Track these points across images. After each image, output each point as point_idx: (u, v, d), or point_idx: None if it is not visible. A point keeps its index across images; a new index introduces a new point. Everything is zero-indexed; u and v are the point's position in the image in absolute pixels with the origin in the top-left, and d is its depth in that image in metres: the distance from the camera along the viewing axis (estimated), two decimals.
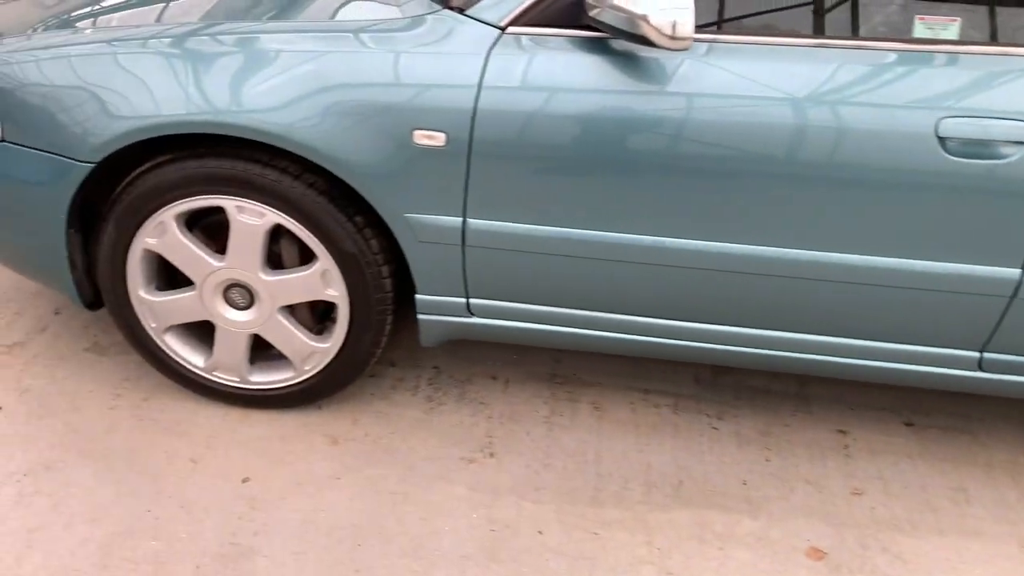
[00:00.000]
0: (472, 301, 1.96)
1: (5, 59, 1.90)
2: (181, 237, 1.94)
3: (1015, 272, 1.75)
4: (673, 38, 1.52)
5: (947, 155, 1.65)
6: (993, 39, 1.69)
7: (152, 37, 1.84)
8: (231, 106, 1.75)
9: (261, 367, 2.13)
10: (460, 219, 1.83)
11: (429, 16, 1.79)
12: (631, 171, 1.72)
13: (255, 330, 2.04)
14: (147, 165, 1.89)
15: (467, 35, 1.74)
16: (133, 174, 1.91)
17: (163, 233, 1.94)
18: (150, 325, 2.08)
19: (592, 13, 1.65)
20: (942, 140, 1.65)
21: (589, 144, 1.71)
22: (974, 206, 1.69)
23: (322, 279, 1.94)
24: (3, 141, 1.93)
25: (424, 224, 1.84)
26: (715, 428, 2.21)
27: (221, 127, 1.76)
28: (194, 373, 2.13)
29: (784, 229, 1.75)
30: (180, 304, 2.03)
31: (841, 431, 2.22)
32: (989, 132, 1.63)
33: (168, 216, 1.91)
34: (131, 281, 2.02)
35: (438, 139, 1.75)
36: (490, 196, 1.79)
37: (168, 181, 1.86)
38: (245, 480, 1.96)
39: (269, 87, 1.76)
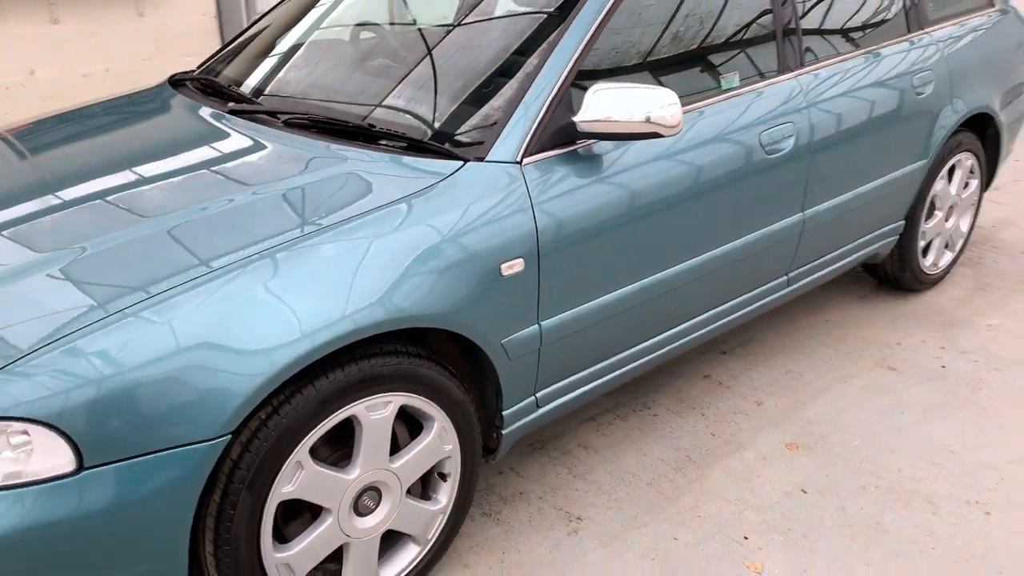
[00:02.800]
0: (538, 395, 2.24)
1: (78, 366, 1.54)
2: (318, 468, 1.82)
3: (799, 216, 2.76)
4: (673, 127, 2.10)
5: (765, 154, 2.56)
6: (761, 77, 2.63)
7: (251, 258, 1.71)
8: (386, 304, 1.78)
9: (384, 565, 2.05)
10: (537, 325, 2.12)
11: (461, 173, 2.03)
12: (641, 229, 2.26)
13: (388, 526, 1.98)
14: (263, 414, 1.73)
15: (501, 175, 2.05)
16: (250, 429, 1.72)
17: (299, 473, 1.79)
18: None
19: (588, 129, 2.11)
20: (762, 146, 2.55)
21: (614, 218, 2.19)
22: (777, 181, 2.63)
23: (440, 439, 2.01)
24: (85, 469, 1.56)
25: (514, 342, 2.08)
26: (655, 415, 2.82)
27: (388, 324, 1.78)
28: None
29: (705, 235, 2.48)
30: (317, 541, 1.87)
31: (706, 376, 3.03)
32: (776, 135, 2.58)
33: (303, 453, 1.78)
34: (264, 547, 1.79)
35: (518, 265, 2.03)
36: (554, 295, 2.13)
37: (303, 414, 1.75)
38: None
39: (399, 278, 1.82)
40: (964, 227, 3.72)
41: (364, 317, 1.77)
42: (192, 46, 5.56)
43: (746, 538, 2.30)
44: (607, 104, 2.07)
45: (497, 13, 2.45)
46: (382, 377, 1.85)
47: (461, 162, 2.06)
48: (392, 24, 2.72)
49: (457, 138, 2.13)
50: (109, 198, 2.02)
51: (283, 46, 2.77)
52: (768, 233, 2.67)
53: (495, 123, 2.11)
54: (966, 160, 3.52)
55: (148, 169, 2.16)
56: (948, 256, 3.70)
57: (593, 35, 2.23)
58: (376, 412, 1.87)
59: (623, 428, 2.76)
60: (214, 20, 5.59)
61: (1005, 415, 2.83)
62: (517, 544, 2.28)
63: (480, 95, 2.19)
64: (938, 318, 3.46)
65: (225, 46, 3.05)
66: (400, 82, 2.34)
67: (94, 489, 1.57)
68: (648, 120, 2.06)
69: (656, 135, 2.09)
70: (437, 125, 2.19)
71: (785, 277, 2.88)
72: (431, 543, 2.10)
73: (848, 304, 3.56)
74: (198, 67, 2.99)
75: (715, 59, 2.56)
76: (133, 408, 1.57)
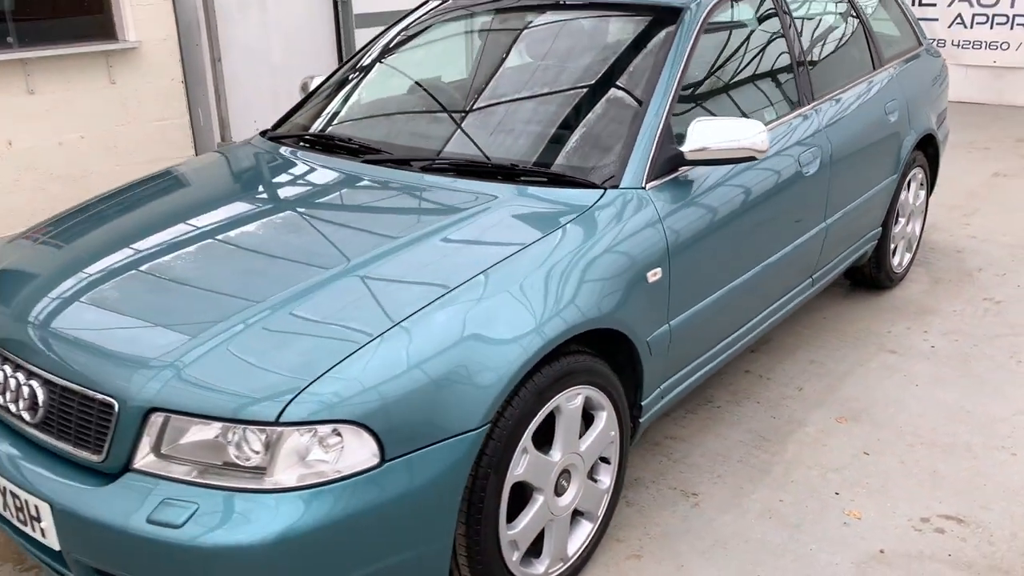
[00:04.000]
0: (662, 386, 2.60)
1: (369, 382, 1.80)
2: (537, 453, 2.11)
3: (824, 224, 3.26)
4: (764, 151, 2.53)
5: (802, 173, 3.04)
6: (790, 109, 3.12)
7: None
8: (611, 312, 2.12)
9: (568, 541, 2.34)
10: (667, 325, 2.49)
11: (604, 199, 2.39)
12: (730, 236, 2.68)
13: (576, 504, 2.28)
14: (500, 407, 2.01)
15: (635, 198, 2.42)
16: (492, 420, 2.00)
17: (524, 458, 2.08)
18: (511, 559, 2.12)
19: (695, 157, 2.51)
20: (800, 166, 3.03)
21: (712, 228, 2.60)
22: (810, 194, 3.12)
23: (608, 426, 2.34)
24: (386, 462, 1.81)
25: (654, 340, 2.44)
26: (718, 407, 3.22)
27: (590, 324, 2.11)
28: None
29: (772, 239, 2.93)
30: (534, 520, 2.15)
31: (747, 371, 3.47)
32: (808, 157, 3.08)
33: (527, 440, 2.07)
34: (501, 526, 2.06)
35: (658, 273, 2.40)
36: (678, 298, 2.51)
37: (527, 405, 2.04)
38: None
39: (585, 287, 2.16)
40: (917, 230, 4.36)
41: (568, 319, 2.10)
42: (162, 111, 5.68)
43: (837, 494, 2.72)
44: (709, 134, 2.48)
45: (593, 56, 2.84)
46: (574, 372, 2.17)
47: (601, 190, 2.43)
48: (495, 71, 3.05)
49: (593, 170, 2.49)
50: (327, 237, 2.31)
51: (383, 95, 3.07)
52: (806, 238, 3.15)
53: (621, 155, 2.49)
54: (918, 174, 4.16)
55: (346, 217, 2.46)
56: (908, 256, 4.31)
57: (680, 79, 2.66)
58: (571, 403, 2.19)
59: (696, 420, 3.15)
60: (181, 85, 5.73)
61: (995, 378, 3.39)
62: (652, 519, 2.62)
63: (604, 132, 2.58)
64: (912, 308, 4.04)
65: (302, 102, 3.30)
66: (527, 123, 2.69)
67: (392, 479, 1.82)
68: (746, 147, 2.49)
69: (752, 158, 2.52)
70: (574, 160, 2.55)
71: (811, 279, 3.37)
72: (599, 520, 2.41)
73: (836, 304, 4.10)
74: (281, 123, 3.22)
75: (755, 93, 3.04)
76: (421, 403, 1.84)
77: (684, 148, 2.51)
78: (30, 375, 1.98)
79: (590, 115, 2.65)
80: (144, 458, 1.83)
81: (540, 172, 2.51)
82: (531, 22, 3.06)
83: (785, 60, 3.20)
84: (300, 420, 1.75)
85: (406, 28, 3.38)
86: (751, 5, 3.17)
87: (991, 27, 8.37)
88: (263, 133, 3.16)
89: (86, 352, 1.93)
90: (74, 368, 1.91)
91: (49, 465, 1.94)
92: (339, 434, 1.78)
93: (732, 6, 3.04)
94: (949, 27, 8.45)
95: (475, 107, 2.87)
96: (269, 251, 2.25)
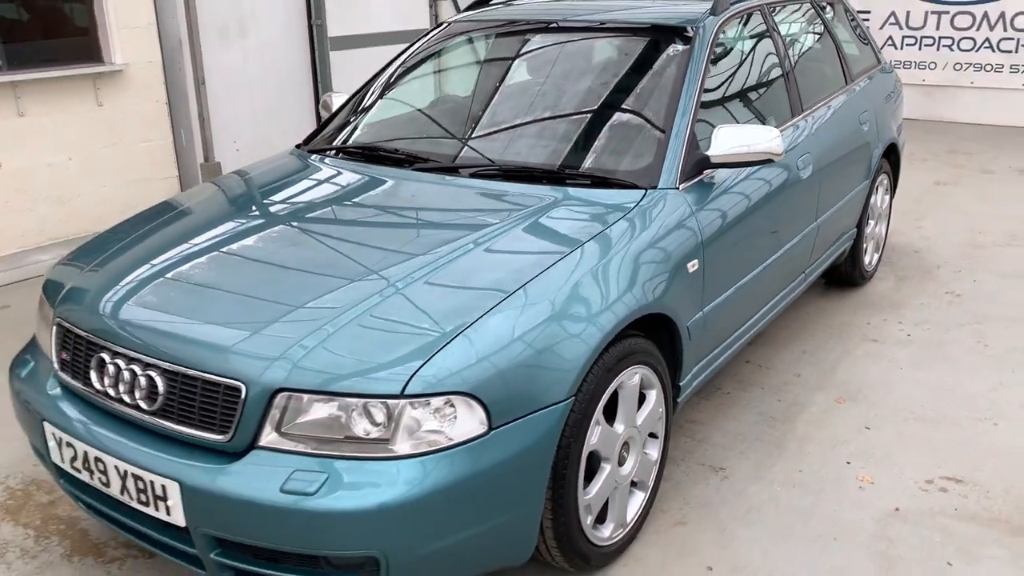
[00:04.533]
0: (694, 369, 2.85)
1: (488, 353, 2.01)
2: (606, 425, 2.34)
3: (815, 223, 3.58)
4: (780, 154, 2.82)
5: (800, 176, 3.36)
6: (788, 117, 3.43)
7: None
8: (659, 299, 2.37)
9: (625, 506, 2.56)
10: (702, 312, 2.75)
11: (646, 199, 2.64)
12: (748, 230, 2.96)
13: (633, 475, 2.51)
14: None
15: (673, 198, 2.68)
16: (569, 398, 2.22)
17: (596, 429, 2.30)
18: (586, 522, 2.33)
19: (720, 160, 2.79)
20: (798, 169, 3.34)
21: (733, 223, 2.88)
22: (806, 195, 3.44)
23: (658, 403, 2.58)
24: (493, 430, 2.01)
25: (693, 325, 2.70)
26: (728, 393, 3.50)
27: (646, 309, 2.35)
28: (606, 547, 2.44)
29: (781, 234, 3.23)
30: (603, 487, 2.37)
31: (747, 361, 3.75)
32: (805, 162, 3.39)
33: (599, 413, 2.30)
34: (579, 491, 2.27)
35: (696, 264, 2.67)
36: (710, 287, 2.77)
37: (599, 380, 2.26)
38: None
39: (654, 276, 2.41)
40: (883, 232, 4.74)
41: (634, 302, 2.34)
42: (147, 132, 5.76)
43: (848, 463, 3.01)
44: (732, 140, 2.76)
45: (622, 71, 3.11)
46: (634, 353, 2.41)
47: (643, 191, 2.68)
48: (529, 88, 3.28)
49: (634, 172, 2.75)
50: (416, 230, 2.55)
51: (424, 106, 3.28)
52: (802, 236, 3.46)
53: (657, 159, 2.75)
54: (884, 180, 4.54)
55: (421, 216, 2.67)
56: (876, 256, 4.68)
57: (700, 89, 2.94)
58: (631, 380, 2.43)
59: (710, 406, 3.41)
60: (165, 107, 5.82)
61: (968, 360, 3.75)
62: (689, 492, 2.86)
63: (640, 139, 2.84)
64: (884, 302, 4.40)
65: (331, 117, 3.48)
66: (568, 133, 2.94)
67: (497, 447, 2.03)
68: (765, 150, 2.77)
69: (770, 161, 2.81)
70: (616, 164, 2.80)
71: (804, 274, 3.68)
72: (649, 490, 2.64)
73: (816, 301, 4.43)
74: (313, 137, 3.39)
75: (756, 104, 3.34)
76: (521, 376, 2.06)
77: (710, 152, 2.78)
78: (146, 366, 2.12)
79: (626, 124, 2.92)
80: (268, 436, 2.00)
81: (587, 175, 2.75)
82: (560, 41, 3.32)
83: (777, 74, 3.53)
84: (420, 393, 1.94)
85: (441, 42, 3.59)
86: (746, 25, 3.48)
87: (919, 48, 8.98)
88: (299, 146, 3.34)
89: (209, 342, 2.08)
90: (198, 357, 2.06)
91: (169, 448, 2.08)
92: (452, 405, 1.97)
93: (731, 27, 3.34)
94: (882, 48, 9.02)
95: (519, 119, 3.10)
96: (366, 243, 2.47)
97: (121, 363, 2.17)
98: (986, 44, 8.63)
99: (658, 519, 2.72)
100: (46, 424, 2.28)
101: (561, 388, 2.13)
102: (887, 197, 4.68)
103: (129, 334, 2.19)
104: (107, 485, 2.16)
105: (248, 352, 2.03)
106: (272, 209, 2.81)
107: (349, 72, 6.98)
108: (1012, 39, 8.52)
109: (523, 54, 3.37)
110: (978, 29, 8.66)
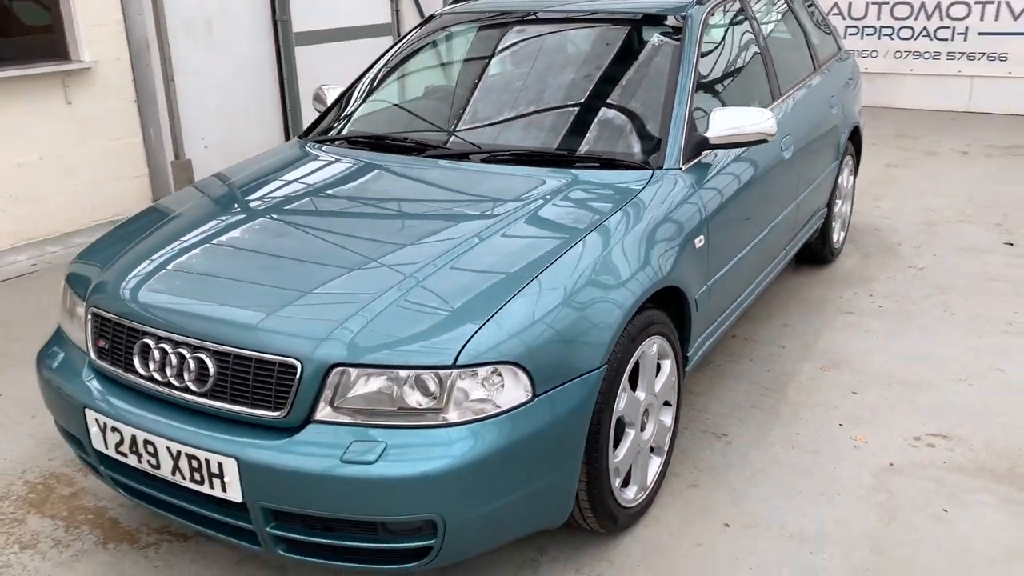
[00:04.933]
0: (699, 339, 3.00)
1: (519, 327, 2.12)
2: (631, 392, 2.47)
3: (795, 202, 3.76)
4: (773, 134, 2.98)
5: (783, 157, 3.54)
6: (770, 101, 3.61)
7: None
8: (672, 272, 2.51)
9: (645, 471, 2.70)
10: (706, 285, 2.90)
11: (654, 179, 2.77)
12: (742, 206, 3.12)
13: (652, 440, 2.65)
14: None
15: (677, 177, 2.83)
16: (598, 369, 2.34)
17: (623, 396, 2.43)
18: (615, 485, 2.46)
19: (717, 141, 2.93)
20: (781, 151, 3.52)
21: (730, 200, 3.03)
22: (788, 175, 3.62)
23: (671, 371, 2.72)
24: (536, 397, 2.12)
25: (700, 297, 2.85)
26: (719, 366, 3.67)
27: (663, 282, 2.49)
28: (631, 508, 2.57)
29: (770, 210, 3.40)
30: (629, 451, 2.50)
31: (733, 336, 3.93)
32: (787, 143, 3.57)
33: (624, 381, 2.43)
34: (609, 455, 2.40)
35: (702, 240, 2.81)
36: (712, 261, 2.93)
37: (624, 350, 2.39)
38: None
39: (667, 251, 2.54)
40: (848, 211, 4.97)
41: (652, 275, 2.47)
42: (116, 130, 5.72)
43: (840, 425, 3.20)
44: (729, 122, 2.91)
45: (620, 58, 3.24)
46: (653, 323, 2.54)
47: (651, 171, 2.82)
48: (530, 75, 3.39)
49: (641, 154, 2.88)
50: (447, 216, 2.62)
51: (435, 94, 3.37)
52: (784, 214, 3.64)
53: (661, 141, 2.89)
54: (849, 161, 4.76)
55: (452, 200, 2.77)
56: (842, 234, 4.91)
57: (695, 73, 3.08)
58: (650, 349, 2.56)
59: (705, 378, 3.57)
60: (134, 104, 5.79)
61: (937, 328, 3.98)
62: (697, 457, 3.01)
63: (644, 122, 2.98)
64: (853, 277, 4.62)
65: (331, 108, 3.54)
66: (573, 118, 3.05)
67: (540, 413, 2.14)
68: (760, 131, 2.93)
69: (764, 141, 2.97)
70: (623, 147, 2.94)
71: (784, 251, 3.86)
72: (665, 454, 2.78)
73: (789, 278, 4.63)
74: (314, 128, 3.45)
75: (742, 87, 3.51)
76: (561, 345, 2.17)
77: (708, 133, 2.93)
78: (194, 349, 2.18)
79: (629, 108, 3.05)
80: (323, 410, 2.08)
81: (596, 158, 2.88)
82: (557, 31, 3.44)
83: (758, 60, 3.70)
84: (470, 363, 2.05)
85: (441, 31, 3.69)
86: (727, 13, 3.64)
87: (861, 37, 9.33)
88: (303, 136, 3.40)
89: (262, 324, 2.15)
90: (251, 339, 2.12)
91: (221, 427, 2.14)
92: (500, 374, 2.08)
93: (716, 15, 3.49)
94: None
95: (526, 105, 3.21)
96: (396, 227, 2.55)
97: (167, 347, 2.22)
98: (924, 33, 9.01)
99: (672, 483, 2.86)
100: (88, 411, 2.32)
101: (595, 356, 2.25)
102: (851, 178, 4.91)
103: (176, 319, 2.24)
104: (157, 467, 2.22)
105: (302, 332, 2.10)
106: (296, 197, 2.87)
107: (315, 67, 7.00)
108: (948, 28, 8.91)
109: (522, 43, 3.47)
110: (916, 19, 9.03)
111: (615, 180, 2.77)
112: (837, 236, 4.77)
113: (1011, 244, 5.07)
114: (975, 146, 7.47)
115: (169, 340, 2.23)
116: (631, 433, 2.52)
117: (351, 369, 2.06)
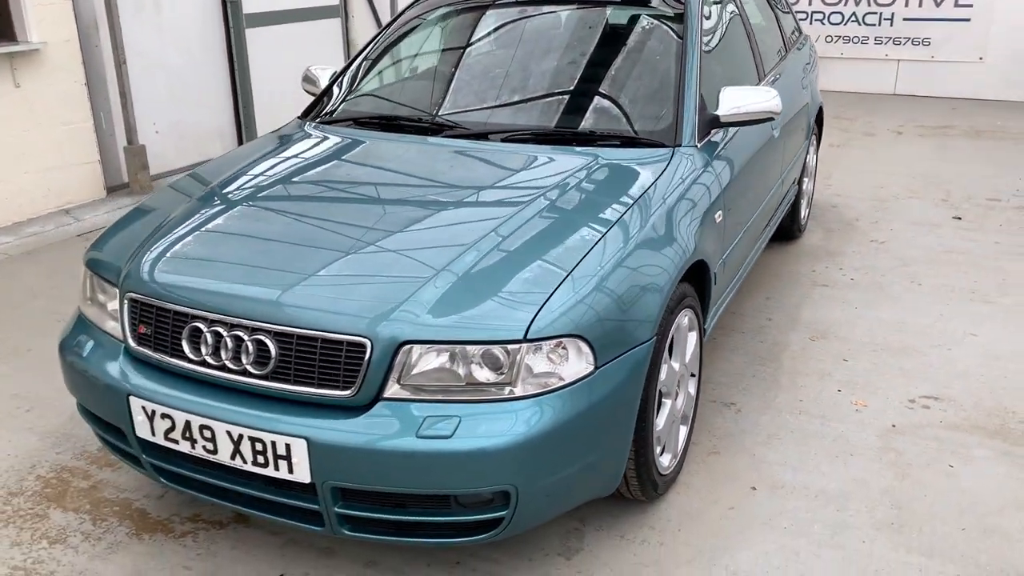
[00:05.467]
0: (712, 310, 3.10)
1: (587, 294, 2.18)
2: (671, 362, 2.54)
3: (780, 178, 3.90)
4: (779, 112, 3.08)
5: (774, 136, 3.66)
6: (757, 82, 3.72)
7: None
8: (699, 246, 2.59)
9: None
10: (723, 258, 3.00)
11: (675, 156, 2.85)
12: (747, 179, 3.23)
13: (682, 409, 2.73)
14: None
15: (696, 155, 2.91)
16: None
17: (665, 367, 2.50)
18: (657, 452, 2.53)
19: (728, 119, 3.03)
20: (772, 130, 3.65)
21: (738, 175, 3.13)
22: (776, 152, 3.75)
23: (696, 343, 2.81)
24: (598, 368, 2.18)
25: (718, 270, 2.94)
26: (715, 339, 3.78)
27: (695, 255, 2.57)
28: (667, 475, 2.65)
29: (767, 181, 3.51)
30: (667, 420, 2.57)
31: (729, 311, 4.05)
32: (776, 123, 3.70)
33: (665, 353, 2.50)
34: (654, 424, 2.47)
35: (721, 215, 2.90)
36: (727, 235, 3.02)
37: (665, 322, 2.46)
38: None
39: (693, 225, 2.62)
40: (811, 188, 5.16)
41: (689, 248, 2.55)
42: (68, 114, 5.51)
43: (839, 391, 3.35)
44: (737, 100, 3.01)
45: (632, 40, 3.29)
46: (685, 296, 2.62)
47: (671, 149, 2.89)
48: (543, 56, 3.40)
49: (660, 133, 2.95)
50: (491, 199, 2.63)
51: (445, 75, 3.37)
52: (774, 190, 3.77)
53: (677, 120, 2.97)
54: (814, 139, 4.95)
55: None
56: (807, 211, 5.10)
57: (700, 53, 3.17)
58: (683, 321, 2.64)
59: (704, 350, 3.68)
60: (84, 88, 5.57)
61: (909, 297, 4.19)
62: (712, 425, 3.12)
63: (659, 102, 3.04)
64: (821, 252, 4.82)
65: (328, 88, 3.49)
66: (591, 99, 3.10)
67: (601, 384, 2.19)
68: (768, 109, 3.03)
69: (771, 118, 3.07)
70: (644, 126, 3.00)
71: (769, 225, 4.00)
72: (690, 422, 2.87)
73: (763, 254, 4.79)
74: (312, 109, 3.41)
75: (735, 68, 3.62)
76: (618, 317, 2.23)
77: (719, 112, 3.02)
78: (253, 331, 2.15)
79: (644, 89, 3.11)
80: (392, 388, 2.08)
81: (619, 136, 2.94)
82: (566, 11, 3.47)
83: (745, 41, 3.81)
84: (537, 337, 2.08)
85: (455, 7, 3.68)
86: None
87: (809, 24, 9.62)
88: (313, 117, 3.36)
89: (327, 304, 2.13)
90: (316, 319, 2.11)
91: (285, 408, 2.13)
92: (564, 347, 2.12)
93: None
94: None
95: (541, 86, 3.24)
96: (441, 206, 2.56)
97: (222, 330, 2.19)
98: (853, 18, 9.36)
99: (694, 450, 2.96)
100: (133, 399, 2.26)
101: (647, 328, 2.32)
102: (815, 156, 5.10)
103: (231, 303, 2.20)
104: (214, 452, 2.18)
105: (370, 311, 2.10)
106: (331, 179, 2.82)
107: (265, 50, 6.85)
108: (875, 13, 9.28)
109: (526, 25, 3.50)
110: (846, 4, 9.37)
111: (639, 156, 2.84)
112: (804, 213, 4.96)
113: (959, 218, 5.36)
114: (908, 127, 7.82)
115: (223, 323, 2.19)
116: (668, 403, 2.60)
117: (420, 346, 2.07)
